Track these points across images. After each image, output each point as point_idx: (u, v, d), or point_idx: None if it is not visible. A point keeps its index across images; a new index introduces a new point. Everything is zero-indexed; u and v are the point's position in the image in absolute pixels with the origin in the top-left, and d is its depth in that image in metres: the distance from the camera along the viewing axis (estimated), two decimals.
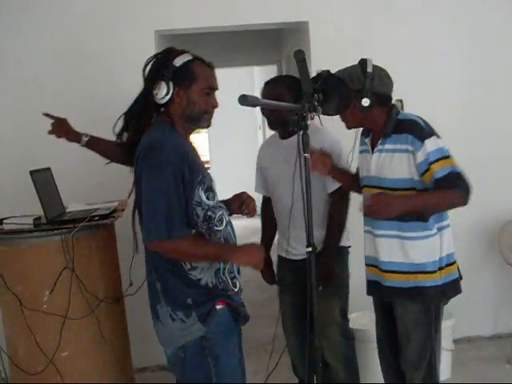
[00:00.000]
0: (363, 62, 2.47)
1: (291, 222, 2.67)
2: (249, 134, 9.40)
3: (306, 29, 3.93)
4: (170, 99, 2.11)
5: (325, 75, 2.29)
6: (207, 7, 3.83)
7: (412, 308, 2.52)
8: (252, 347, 4.22)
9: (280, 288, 3.08)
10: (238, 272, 2.23)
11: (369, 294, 2.72)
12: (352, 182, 2.79)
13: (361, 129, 2.68)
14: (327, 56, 3.67)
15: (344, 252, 2.99)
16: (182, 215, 2.05)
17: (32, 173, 2.73)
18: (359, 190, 2.72)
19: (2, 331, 2.86)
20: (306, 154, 1.99)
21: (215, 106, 2.19)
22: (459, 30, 3.98)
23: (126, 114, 2.22)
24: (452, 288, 2.53)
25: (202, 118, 2.17)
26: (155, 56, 2.20)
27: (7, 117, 3.78)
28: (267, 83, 2.94)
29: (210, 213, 2.11)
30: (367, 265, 2.67)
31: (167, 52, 2.17)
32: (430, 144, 2.38)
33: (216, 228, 2.13)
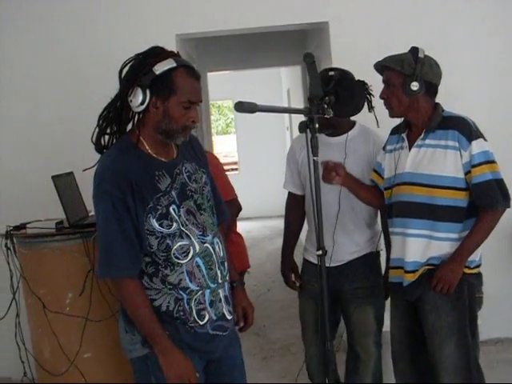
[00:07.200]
0: (414, 49, 2.45)
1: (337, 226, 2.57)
2: (277, 135, 9.41)
3: (327, 29, 3.92)
4: (145, 108, 1.92)
5: (337, 77, 2.28)
6: (227, 10, 3.84)
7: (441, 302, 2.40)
8: (276, 348, 4.24)
9: (303, 295, 2.89)
10: (211, 305, 2.02)
11: (392, 296, 2.65)
12: (370, 193, 2.68)
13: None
14: (348, 56, 3.63)
15: (378, 257, 2.87)
16: (129, 247, 1.92)
17: (54, 178, 2.78)
18: (378, 204, 2.67)
19: (28, 333, 2.93)
20: (314, 158, 1.97)
21: (195, 120, 1.97)
22: (485, 29, 3.90)
23: (99, 118, 2.03)
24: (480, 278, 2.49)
25: (177, 134, 1.95)
26: (136, 57, 1.97)
27: (30, 122, 3.84)
28: None
29: (168, 241, 1.95)
30: (392, 267, 2.58)
31: (149, 55, 1.95)
32: (476, 145, 2.33)
33: (176, 260, 1.96)
